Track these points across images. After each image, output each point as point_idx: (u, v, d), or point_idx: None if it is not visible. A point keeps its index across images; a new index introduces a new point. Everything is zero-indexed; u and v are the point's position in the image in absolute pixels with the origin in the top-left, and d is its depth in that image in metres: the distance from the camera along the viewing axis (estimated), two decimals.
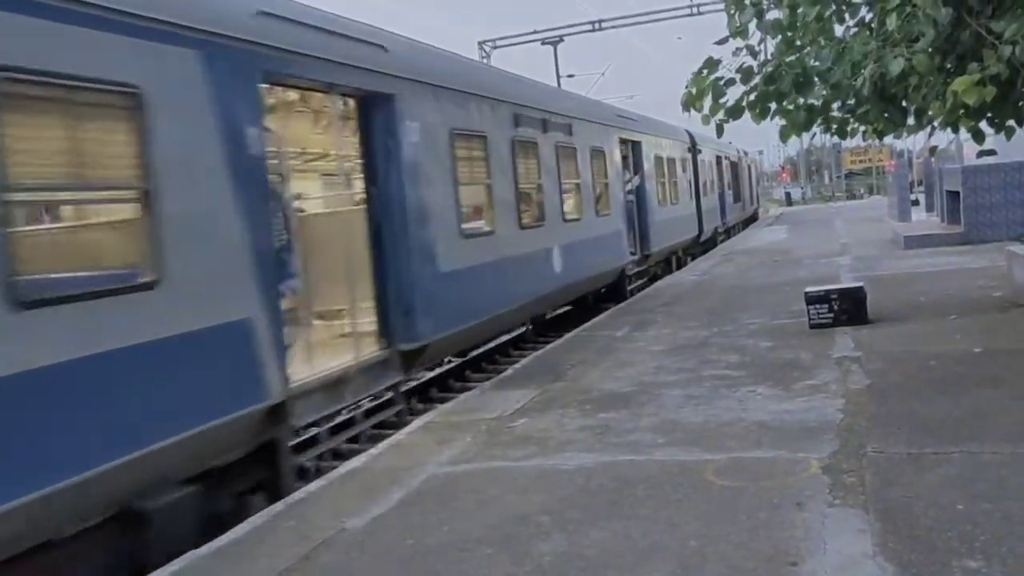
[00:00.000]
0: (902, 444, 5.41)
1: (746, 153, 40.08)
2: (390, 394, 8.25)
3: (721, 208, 28.65)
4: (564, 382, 8.33)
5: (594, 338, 10.83)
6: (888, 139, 10.34)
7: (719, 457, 5.52)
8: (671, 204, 20.52)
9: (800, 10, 7.56)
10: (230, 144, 5.96)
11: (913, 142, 39.89)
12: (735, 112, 7.80)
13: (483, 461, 6.02)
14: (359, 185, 8.19)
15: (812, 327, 9.62)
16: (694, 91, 7.60)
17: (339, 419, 7.53)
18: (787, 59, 7.70)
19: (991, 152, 8.46)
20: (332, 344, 7.88)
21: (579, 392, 7.79)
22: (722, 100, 7.74)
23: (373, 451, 6.68)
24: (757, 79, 7.75)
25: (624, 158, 17.09)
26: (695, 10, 27.49)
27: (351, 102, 7.90)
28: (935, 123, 8.12)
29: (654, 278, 18.12)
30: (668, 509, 4.73)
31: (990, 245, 15.92)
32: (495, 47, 32.03)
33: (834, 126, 8.70)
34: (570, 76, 41.58)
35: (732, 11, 7.64)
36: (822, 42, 7.71)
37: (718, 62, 7.66)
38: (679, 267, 20.49)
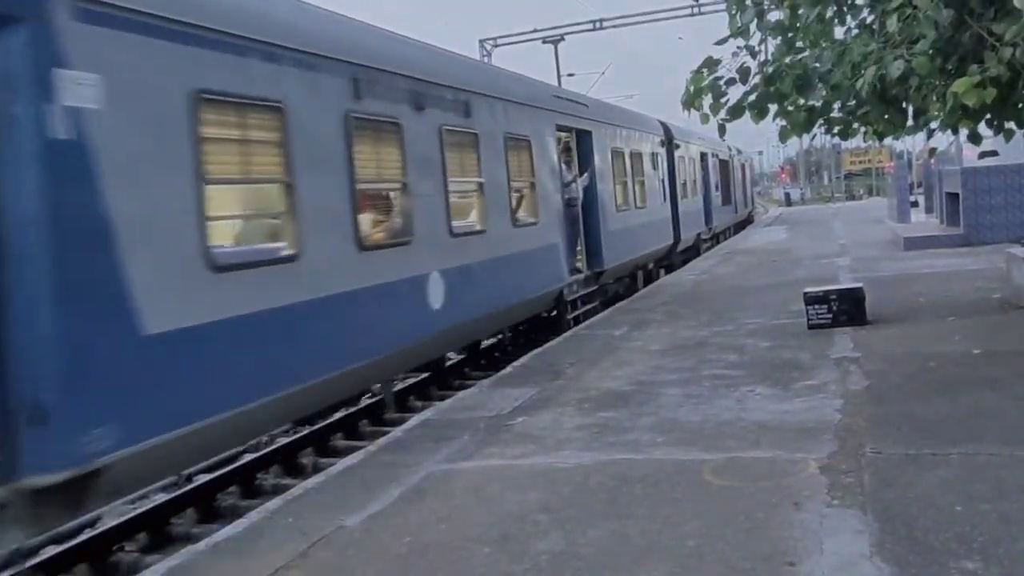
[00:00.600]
0: (900, 445, 5.41)
1: (739, 151, 36.54)
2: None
3: (706, 212, 25.44)
4: (563, 381, 8.34)
5: (593, 337, 10.86)
6: (888, 140, 10.36)
7: (717, 457, 5.53)
8: (636, 208, 17.07)
9: (801, 11, 7.58)
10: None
11: (913, 144, 39.92)
12: (736, 112, 7.82)
13: (481, 459, 6.03)
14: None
15: (811, 327, 9.62)
16: (692, 89, 7.62)
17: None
18: (788, 60, 7.72)
19: (993, 153, 8.49)
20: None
21: (578, 391, 7.80)
22: (723, 100, 7.76)
23: (371, 448, 6.69)
24: (756, 79, 7.78)
25: (567, 151, 14.17)
26: (696, 10, 27.45)
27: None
28: (935, 125, 8.13)
29: (615, 298, 15.45)
30: (666, 508, 4.74)
31: (989, 247, 15.90)
32: (496, 45, 31.96)
33: (835, 127, 8.72)
34: (570, 75, 41.46)
35: (733, 11, 7.66)
36: (823, 43, 7.73)
37: (717, 62, 7.69)
38: (648, 283, 17.59)
